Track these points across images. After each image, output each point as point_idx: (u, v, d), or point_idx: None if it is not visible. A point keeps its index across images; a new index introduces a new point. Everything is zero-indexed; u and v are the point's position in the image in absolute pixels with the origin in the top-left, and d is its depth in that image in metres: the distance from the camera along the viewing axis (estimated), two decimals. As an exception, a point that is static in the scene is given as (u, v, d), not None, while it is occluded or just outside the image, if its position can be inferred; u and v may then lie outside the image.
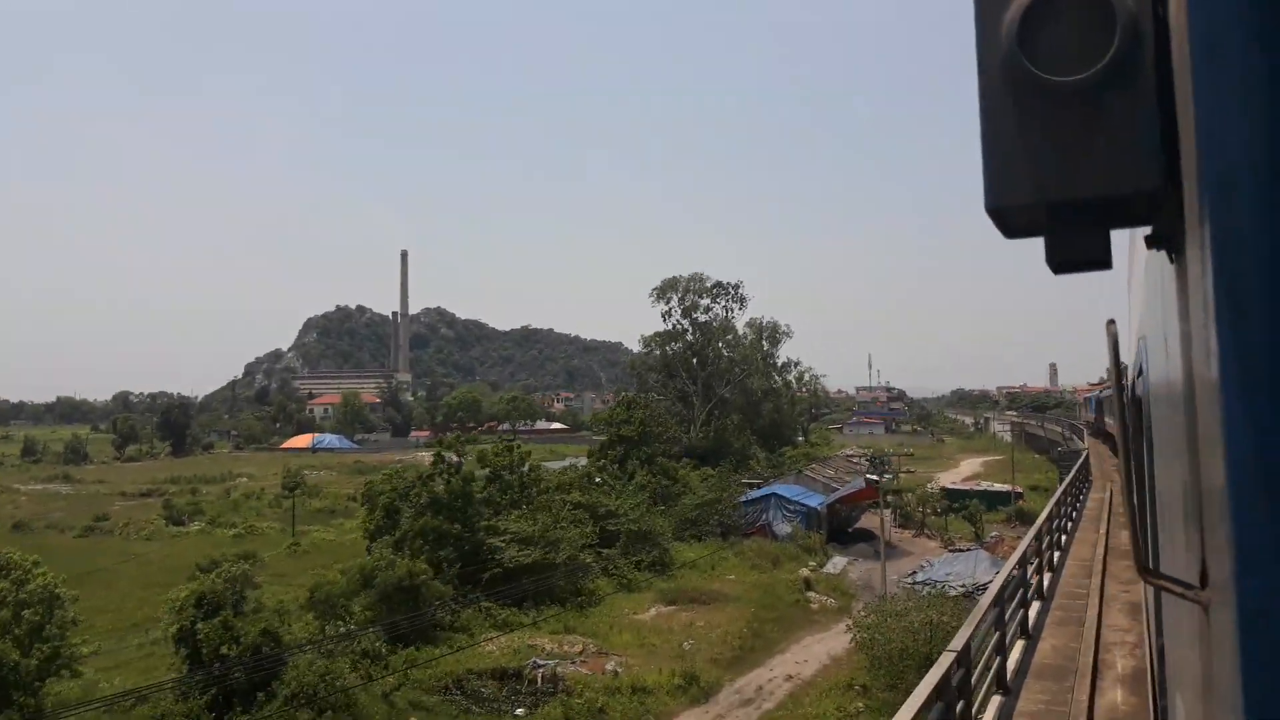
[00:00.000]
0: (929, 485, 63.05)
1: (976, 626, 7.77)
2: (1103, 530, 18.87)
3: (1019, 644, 10.72)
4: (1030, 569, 12.32)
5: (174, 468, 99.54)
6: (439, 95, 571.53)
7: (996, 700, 8.79)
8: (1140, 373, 2.25)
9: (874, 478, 47.39)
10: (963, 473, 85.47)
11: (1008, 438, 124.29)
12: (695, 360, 66.06)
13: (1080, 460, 32.17)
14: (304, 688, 20.95)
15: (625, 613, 33.88)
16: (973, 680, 7.24)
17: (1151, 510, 2.34)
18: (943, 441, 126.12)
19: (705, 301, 67.18)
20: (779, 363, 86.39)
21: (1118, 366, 1.29)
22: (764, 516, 47.21)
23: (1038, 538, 13.76)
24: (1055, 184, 0.97)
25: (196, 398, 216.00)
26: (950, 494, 58.88)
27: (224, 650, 22.83)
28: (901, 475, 71.43)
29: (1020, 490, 58.66)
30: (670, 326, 66.95)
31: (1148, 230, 1.12)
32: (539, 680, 26.61)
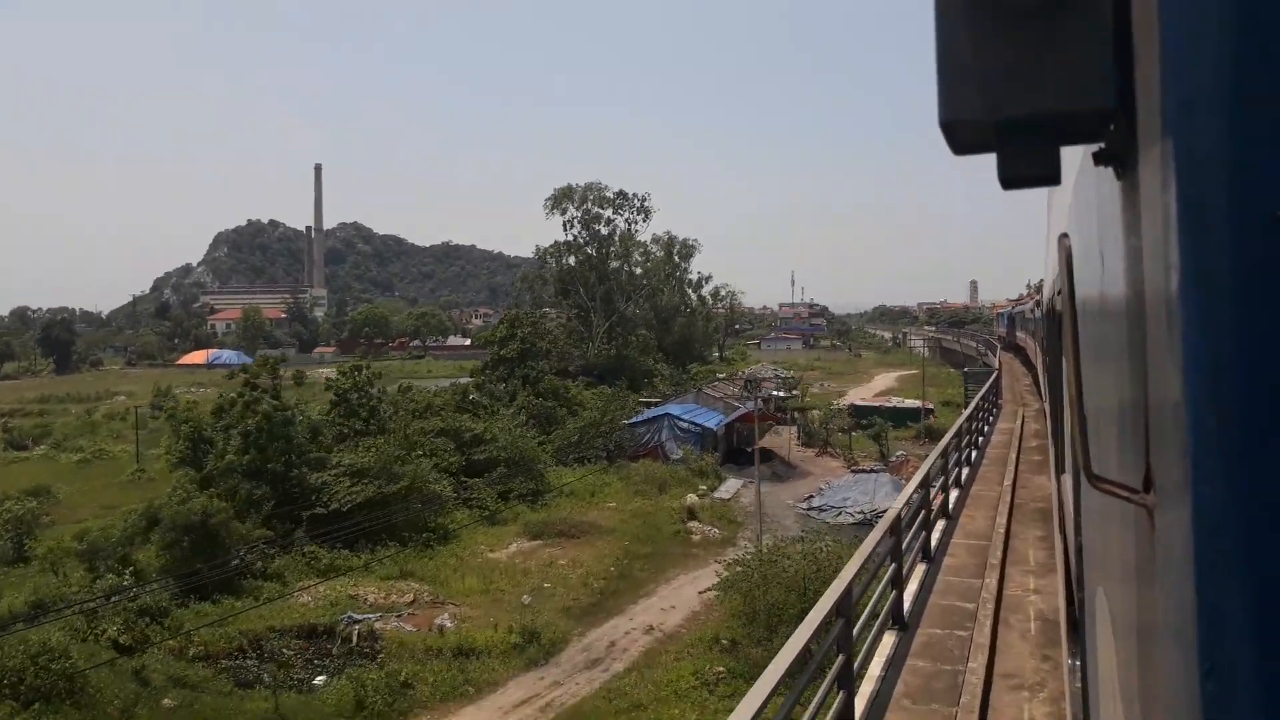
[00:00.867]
0: (835, 402, 59.80)
1: (861, 567, 6.94)
2: (1008, 482, 14.72)
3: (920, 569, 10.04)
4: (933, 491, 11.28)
5: (51, 386, 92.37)
6: None
7: (890, 639, 8.15)
8: (1062, 287, 1.93)
9: (755, 405, 43.59)
10: (876, 388, 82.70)
11: (925, 353, 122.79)
12: (594, 275, 61.05)
13: (990, 379, 28.39)
14: (4, 674, 16.21)
15: (481, 551, 29.63)
16: (855, 629, 6.51)
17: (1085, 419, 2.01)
18: (859, 356, 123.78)
19: (607, 213, 62.01)
20: (691, 278, 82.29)
21: (1071, 281, 1.30)
22: (656, 438, 43.14)
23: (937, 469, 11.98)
24: (1009, 100, 0.96)
25: (102, 313, 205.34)
26: (858, 411, 55.58)
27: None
28: (808, 393, 68.18)
29: (930, 406, 55.58)
30: (571, 238, 61.92)
31: (1093, 147, 1.12)
32: (354, 639, 22.26)
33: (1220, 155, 0.69)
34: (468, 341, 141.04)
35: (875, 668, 7.50)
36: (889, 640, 8.07)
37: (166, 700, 18.03)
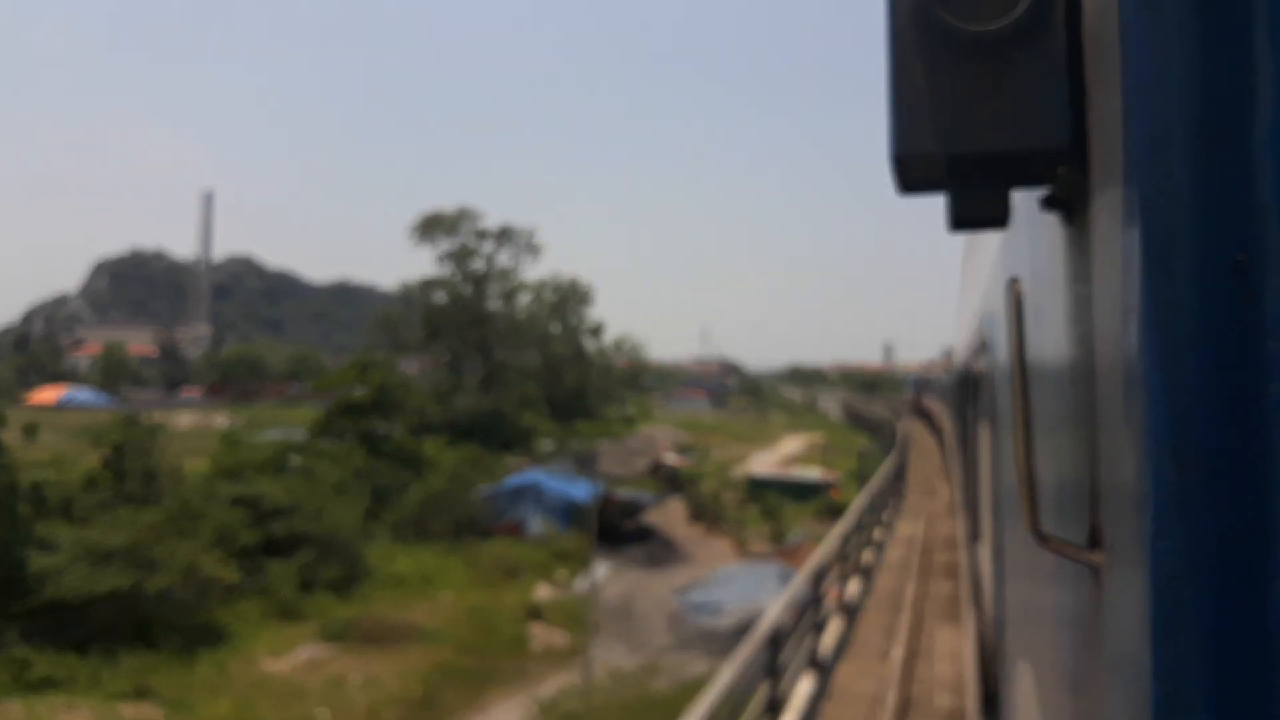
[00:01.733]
0: (731, 471, 55.21)
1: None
2: (897, 653, 9.77)
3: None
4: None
5: None
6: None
7: None
8: (984, 346, 2.27)
9: (646, 501, 38.88)
10: (782, 452, 78.64)
11: (836, 416, 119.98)
12: (468, 316, 55.44)
13: (892, 458, 23.89)
14: None
15: (260, 658, 23.76)
16: None
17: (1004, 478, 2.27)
18: (765, 419, 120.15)
19: (486, 248, 56.59)
20: (585, 327, 77.46)
21: (1020, 330, 1.21)
22: (518, 512, 37.67)
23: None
24: (962, 137, 0.95)
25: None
26: (755, 483, 50.98)
27: None
28: (707, 459, 63.49)
29: (832, 480, 51.23)
30: (447, 272, 56.12)
31: (1041, 192, 1.11)
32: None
33: (1184, 195, 0.69)
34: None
35: None
36: None
37: None
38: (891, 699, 8.20)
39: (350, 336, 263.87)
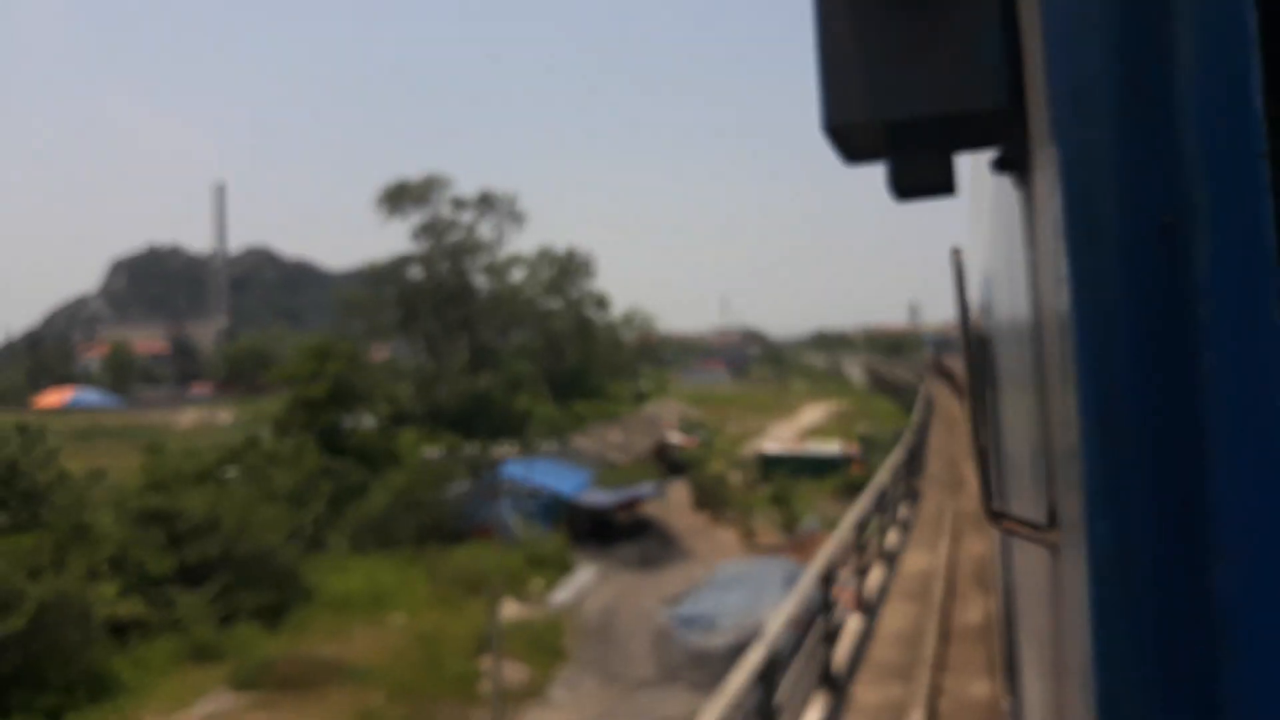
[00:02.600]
0: (741, 448, 50.57)
1: None
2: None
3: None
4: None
5: None
6: None
7: None
8: (986, 309, 2.16)
9: (643, 493, 34.21)
10: (802, 423, 73.94)
11: (860, 381, 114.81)
12: (444, 295, 50.59)
13: (913, 432, 19.15)
14: None
15: (155, 711, 19.52)
16: None
17: (998, 452, 2.20)
18: (786, 387, 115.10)
19: (465, 218, 51.61)
20: (588, 299, 72.74)
21: (963, 299, 1.23)
22: (495, 510, 33.22)
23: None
24: (897, 102, 0.91)
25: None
26: (767, 461, 46.31)
27: None
28: (719, 435, 58.83)
29: (853, 453, 46.43)
30: (422, 248, 51.19)
31: (993, 155, 1.09)
32: None
33: (1108, 155, 0.67)
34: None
35: None
36: None
37: None
38: None
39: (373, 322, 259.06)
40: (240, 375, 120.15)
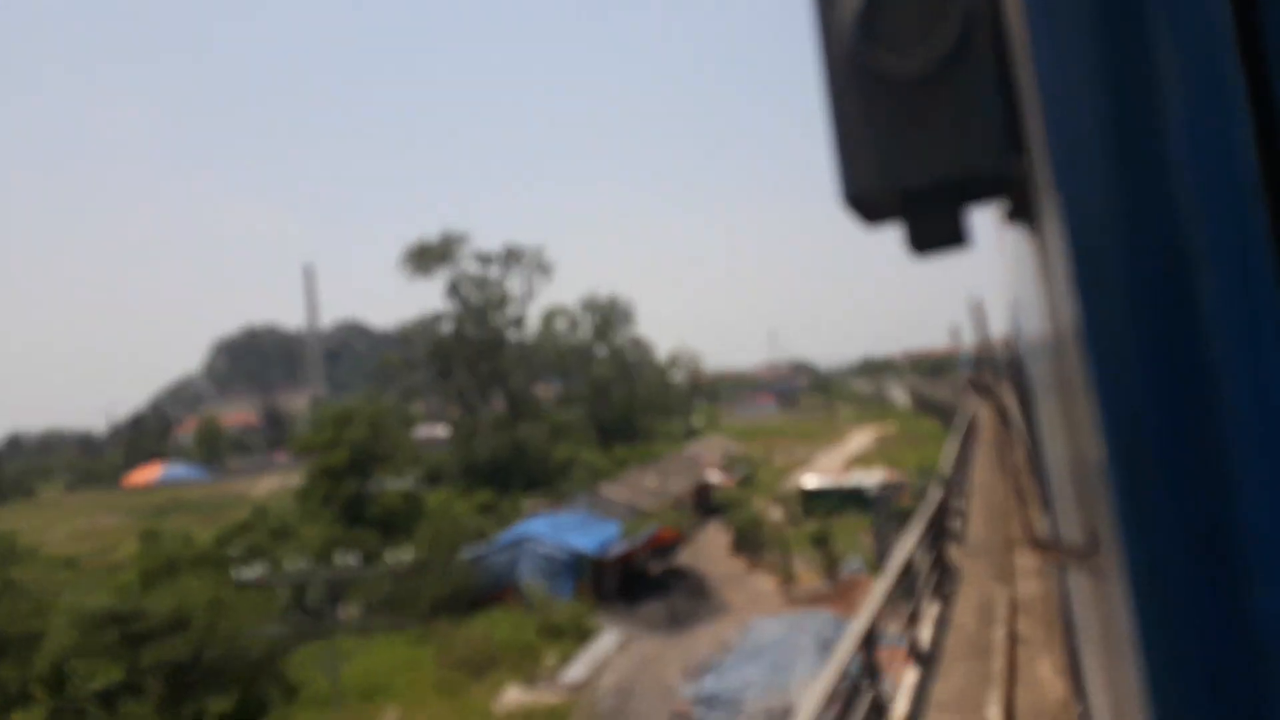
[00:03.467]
0: (785, 482, 45.55)
1: None
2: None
3: None
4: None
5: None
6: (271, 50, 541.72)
7: None
8: (1018, 341, 2.15)
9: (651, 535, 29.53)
10: (850, 450, 68.44)
11: (904, 403, 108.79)
12: (475, 349, 46.78)
13: (943, 480, 14.37)
14: None
15: None
16: None
17: (1042, 478, 2.24)
18: (832, 414, 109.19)
19: (491, 272, 47.85)
20: (628, 344, 68.72)
21: (984, 342, 1.30)
22: (511, 573, 28.84)
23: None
24: (907, 170, 0.92)
25: (90, 434, 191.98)
26: (809, 495, 41.30)
27: None
28: (764, 468, 53.84)
29: (899, 481, 41.20)
30: (455, 306, 47.52)
31: (1007, 205, 1.08)
32: None
33: (1107, 205, 0.67)
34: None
35: None
36: None
37: None
38: None
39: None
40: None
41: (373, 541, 30.40)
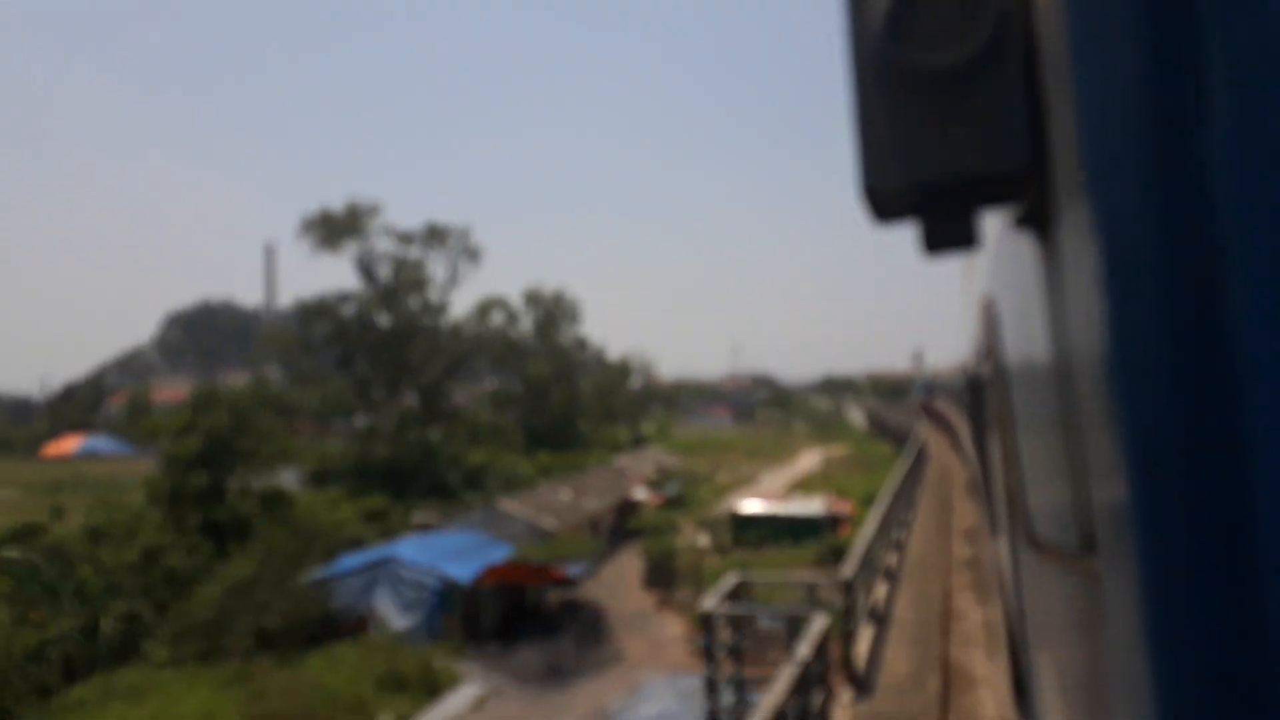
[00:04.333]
0: (718, 504, 40.97)
1: None
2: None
3: None
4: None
5: None
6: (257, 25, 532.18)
7: None
8: (998, 352, 2.01)
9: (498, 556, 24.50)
10: (798, 471, 64.08)
11: (860, 424, 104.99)
12: (376, 336, 41.57)
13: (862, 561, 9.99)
14: None
15: None
16: None
17: (1019, 482, 2.05)
18: (788, 432, 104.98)
19: (414, 253, 42.57)
20: (572, 343, 63.92)
21: (998, 344, 1.25)
22: (367, 600, 23.86)
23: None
24: (927, 166, 0.92)
25: (31, 401, 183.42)
26: (741, 522, 36.70)
27: None
28: (703, 487, 49.18)
29: (842, 512, 36.72)
30: (363, 285, 42.03)
31: (1012, 211, 1.08)
32: None
33: (1141, 211, 0.66)
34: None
35: None
36: None
37: None
38: None
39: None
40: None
41: (206, 551, 25.34)
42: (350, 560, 24.64)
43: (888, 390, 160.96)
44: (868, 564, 10.80)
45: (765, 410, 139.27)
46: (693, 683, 19.81)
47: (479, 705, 19.73)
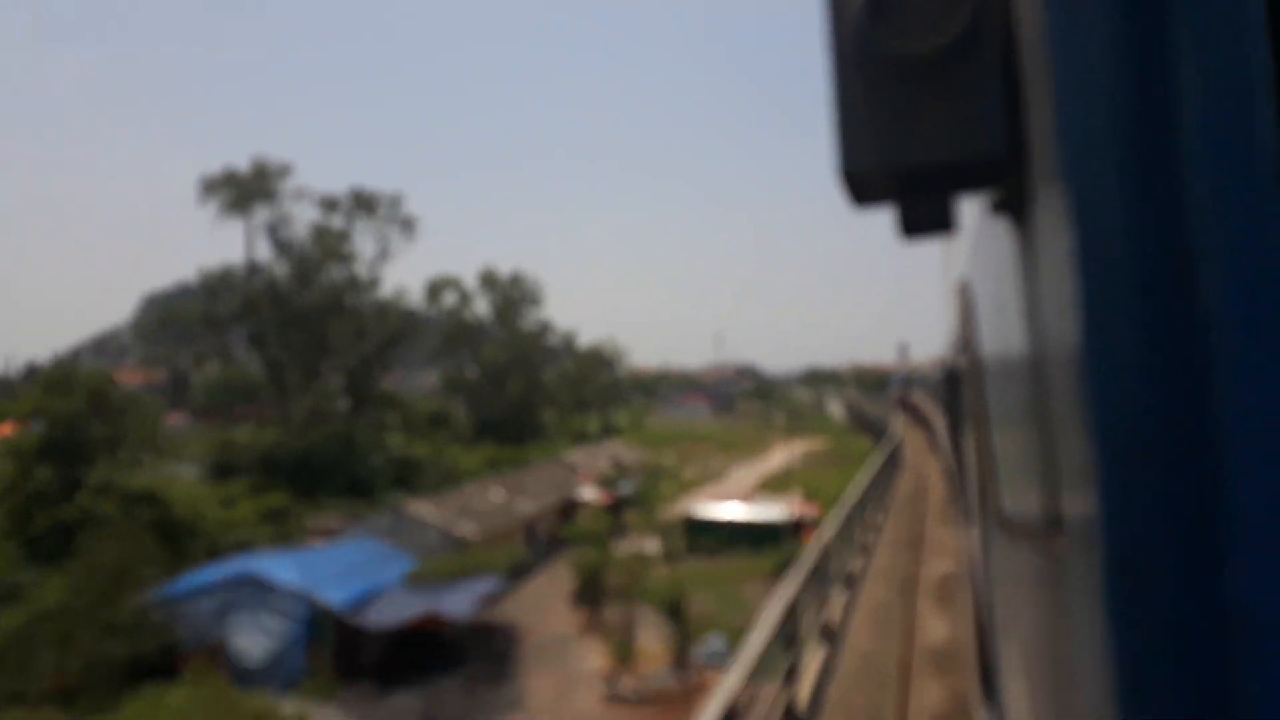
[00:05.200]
0: (676, 504, 36.80)
1: None
2: None
3: None
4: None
5: None
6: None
7: None
8: (971, 338, 2.01)
9: (455, 607, 19.91)
10: (770, 467, 59.93)
11: (840, 416, 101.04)
12: (298, 313, 37.01)
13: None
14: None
15: None
16: None
17: (989, 465, 2.05)
18: (765, 425, 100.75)
19: (336, 221, 37.85)
20: (534, 325, 59.43)
21: (972, 329, 1.21)
22: (223, 623, 19.45)
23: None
24: (905, 150, 0.92)
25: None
26: (695, 528, 32.48)
27: None
28: (664, 485, 44.88)
29: (806, 516, 32.52)
30: (278, 260, 37.11)
31: (989, 197, 1.08)
32: None
33: (1116, 196, 0.66)
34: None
35: None
36: None
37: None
38: None
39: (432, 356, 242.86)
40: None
41: (50, 556, 20.89)
42: (204, 576, 20.20)
43: (871, 383, 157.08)
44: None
45: (745, 401, 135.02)
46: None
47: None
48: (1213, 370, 0.61)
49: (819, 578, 8.43)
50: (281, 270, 37.14)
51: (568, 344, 76.37)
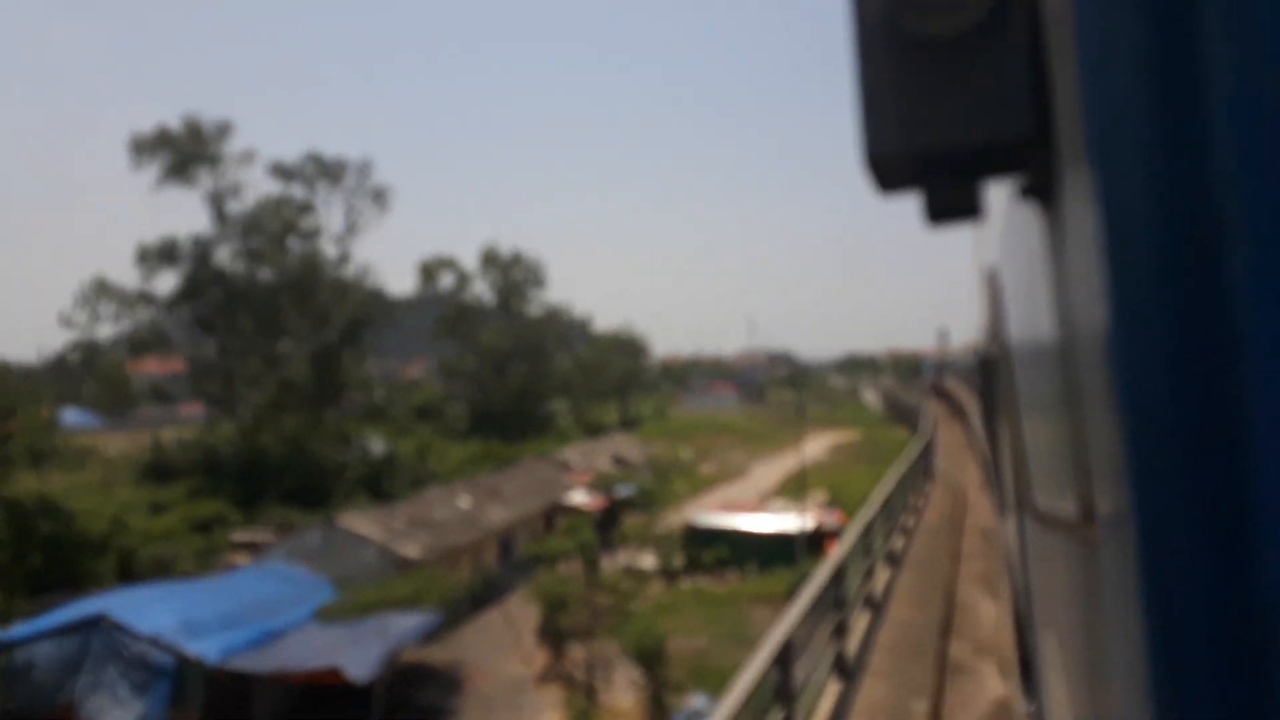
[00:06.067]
0: (682, 508, 32.42)
1: None
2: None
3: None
4: None
5: None
6: None
7: None
8: (1002, 324, 1.99)
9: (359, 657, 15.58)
10: (794, 463, 55.26)
11: (878, 405, 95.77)
12: (248, 294, 32.92)
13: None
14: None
15: None
16: None
17: (1023, 454, 1.98)
18: (796, 415, 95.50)
19: (298, 191, 33.71)
20: (540, 310, 55.26)
21: (1002, 316, 1.21)
22: (75, 676, 15.40)
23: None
24: (931, 133, 0.91)
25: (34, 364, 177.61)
26: (697, 538, 28.05)
27: None
28: (675, 485, 40.42)
29: (829, 526, 27.92)
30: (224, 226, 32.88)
31: (1016, 181, 1.05)
32: None
33: (1143, 176, 0.65)
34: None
35: None
36: None
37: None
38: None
39: (427, 343, 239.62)
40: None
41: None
42: (50, 620, 16.16)
43: (909, 369, 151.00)
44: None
45: (776, 389, 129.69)
46: None
47: None
48: (1244, 356, 0.60)
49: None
50: (229, 245, 33.16)
51: (584, 329, 71.83)
